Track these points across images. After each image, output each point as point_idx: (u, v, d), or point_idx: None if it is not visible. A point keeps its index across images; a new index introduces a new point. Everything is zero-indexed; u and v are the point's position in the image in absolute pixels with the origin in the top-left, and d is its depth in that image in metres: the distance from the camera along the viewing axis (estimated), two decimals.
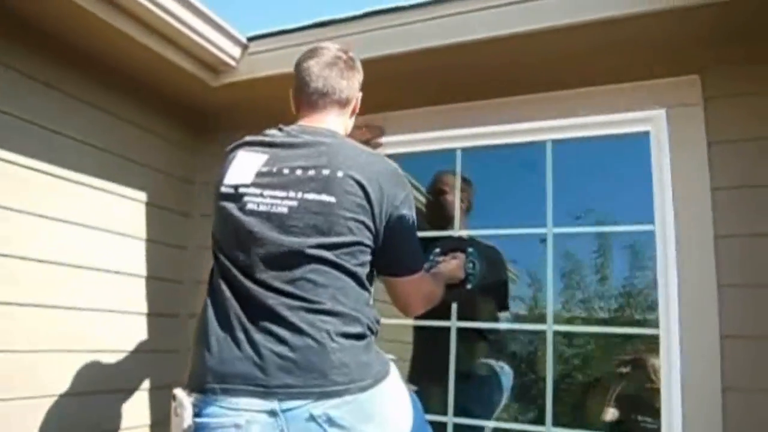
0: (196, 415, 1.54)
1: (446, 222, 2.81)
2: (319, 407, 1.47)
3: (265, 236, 1.59)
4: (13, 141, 2.30)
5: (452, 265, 2.39)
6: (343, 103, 1.85)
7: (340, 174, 1.62)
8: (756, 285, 2.10)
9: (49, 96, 2.45)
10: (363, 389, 1.52)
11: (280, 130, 1.78)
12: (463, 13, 2.31)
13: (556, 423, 2.36)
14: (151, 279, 2.89)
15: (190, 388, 1.58)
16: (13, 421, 2.22)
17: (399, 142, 2.81)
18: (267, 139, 1.76)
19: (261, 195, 1.63)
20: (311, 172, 1.63)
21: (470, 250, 2.48)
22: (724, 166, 2.21)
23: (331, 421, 1.47)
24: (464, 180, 2.81)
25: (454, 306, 2.62)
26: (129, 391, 2.74)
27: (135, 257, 2.85)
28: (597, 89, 2.46)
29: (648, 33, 2.18)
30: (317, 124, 1.80)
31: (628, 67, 2.38)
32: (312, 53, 1.87)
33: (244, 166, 1.70)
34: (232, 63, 2.71)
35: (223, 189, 1.70)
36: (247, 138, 1.79)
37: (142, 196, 2.89)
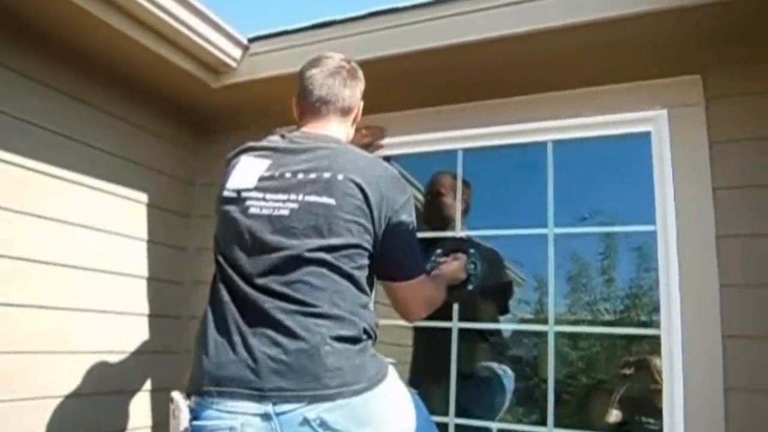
0: (194, 418, 1.57)
1: (444, 223, 2.83)
2: (313, 411, 1.48)
3: (267, 240, 1.62)
4: (11, 141, 2.32)
5: (454, 266, 2.41)
6: (345, 111, 1.90)
7: (340, 177, 1.65)
8: (758, 285, 2.12)
9: (47, 96, 2.47)
10: (356, 393, 1.52)
11: (283, 136, 1.82)
12: (463, 14, 2.33)
13: (558, 425, 2.37)
14: (151, 280, 2.92)
15: (188, 391, 1.61)
16: (11, 423, 2.24)
17: (400, 143, 2.83)
18: (270, 144, 1.80)
19: (263, 199, 1.67)
20: (312, 175, 1.66)
21: (472, 250, 2.49)
22: (726, 166, 2.23)
23: (325, 425, 1.49)
24: (462, 182, 2.83)
25: (456, 307, 2.64)
26: (130, 393, 2.76)
27: (135, 258, 2.87)
28: (598, 89, 2.48)
29: (649, 33, 2.19)
30: (319, 131, 1.84)
31: (629, 67, 2.39)
32: (316, 62, 1.93)
33: (246, 171, 1.73)
34: (233, 64, 2.73)
35: (226, 193, 1.73)
36: (250, 144, 1.83)
37: (143, 197, 2.92)
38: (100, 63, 2.63)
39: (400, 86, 2.64)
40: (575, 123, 2.53)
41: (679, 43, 2.25)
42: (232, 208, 1.70)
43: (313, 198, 1.63)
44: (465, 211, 2.85)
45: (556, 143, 2.57)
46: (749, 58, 2.23)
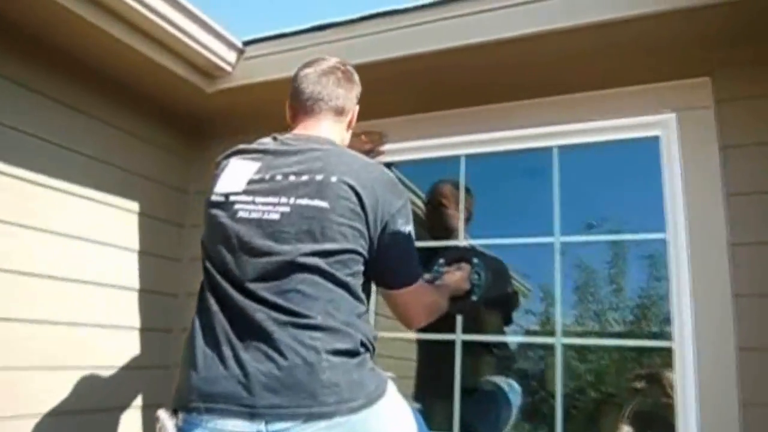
0: None
1: (446, 234, 2.83)
2: (309, 429, 1.45)
3: (256, 244, 1.60)
4: None
5: (457, 277, 2.40)
6: (339, 111, 1.89)
7: (333, 179, 1.63)
8: None
9: (34, 102, 2.48)
10: (354, 410, 1.49)
11: (274, 139, 1.81)
12: (465, 16, 2.34)
13: None
14: (143, 292, 2.92)
15: (175, 406, 1.57)
16: None
17: (401, 149, 2.84)
18: (260, 147, 1.79)
19: (252, 202, 1.65)
20: (304, 178, 1.65)
21: (475, 260, 2.49)
22: (738, 171, 2.23)
23: None
24: (465, 189, 2.82)
25: (459, 319, 2.64)
26: (120, 409, 2.75)
27: (127, 270, 2.87)
28: (605, 93, 2.49)
29: (655, 34, 2.19)
30: (311, 132, 1.83)
31: (636, 70, 2.40)
32: (309, 63, 1.94)
33: (235, 175, 1.72)
34: (228, 68, 2.74)
35: (214, 197, 1.71)
36: (240, 146, 1.82)
37: (134, 206, 2.92)
38: (90, 68, 2.64)
39: (400, 90, 2.66)
40: (581, 128, 2.54)
41: (687, 44, 2.25)
42: (219, 213, 1.68)
43: (305, 201, 1.61)
44: (467, 220, 2.85)
45: (562, 149, 2.58)
46: (759, 59, 2.24)
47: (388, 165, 2.63)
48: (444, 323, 2.61)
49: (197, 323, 1.62)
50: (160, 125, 3.08)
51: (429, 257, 2.42)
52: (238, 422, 1.47)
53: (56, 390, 2.48)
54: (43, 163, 2.49)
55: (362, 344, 1.59)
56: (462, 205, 2.79)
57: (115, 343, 2.76)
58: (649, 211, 2.46)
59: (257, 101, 2.79)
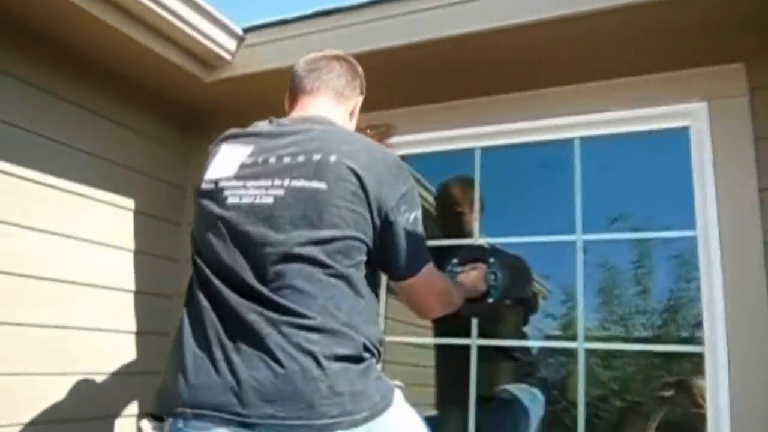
0: None
1: (458, 235, 2.82)
2: None
3: (248, 233, 1.56)
4: None
5: (472, 277, 2.39)
6: (339, 93, 1.88)
7: (332, 158, 1.59)
8: None
9: (23, 93, 2.48)
10: (357, 423, 1.45)
11: (270, 122, 1.80)
12: None
13: None
14: (139, 294, 2.93)
15: (161, 411, 1.55)
16: None
17: (411, 142, 2.84)
18: (253, 130, 1.78)
19: (244, 187, 1.62)
20: (300, 158, 1.61)
21: (492, 259, 2.48)
22: None
23: None
24: (470, 181, 2.81)
25: (474, 322, 2.63)
26: (115, 417, 2.77)
27: (122, 270, 2.88)
28: (630, 80, 2.47)
29: (685, 17, 2.17)
30: (309, 112, 1.82)
31: (664, 56, 2.38)
32: (310, 54, 1.96)
33: (227, 160, 1.70)
34: (227, 56, 2.74)
35: (203, 186, 1.69)
36: (232, 131, 1.81)
37: (130, 203, 2.92)
38: (82, 57, 2.64)
39: (410, 80, 2.65)
40: (605, 118, 2.52)
41: (720, 27, 2.22)
42: (209, 202, 1.65)
43: (301, 183, 1.57)
44: (475, 219, 2.83)
45: (584, 140, 2.57)
46: None
47: None
48: (458, 327, 2.61)
49: (186, 321, 1.58)
50: (156, 118, 3.09)
51: (441, 257, 2.41)
52: (227, 431, 1.44)
53: (47, 397, 2.48)
54: (31, 157, 2.49)
55: (366, 348, 1.55)
56: (477, 205, 2.76)
57: (108, 347, 2.77)
58: (678, 207, 2.44)
59: (258, 91, 2.78)
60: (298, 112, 1.84)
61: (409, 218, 1.68)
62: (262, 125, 1.79)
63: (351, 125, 1.96)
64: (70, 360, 2.59)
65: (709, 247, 2.26)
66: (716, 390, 2.18)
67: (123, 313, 2.87)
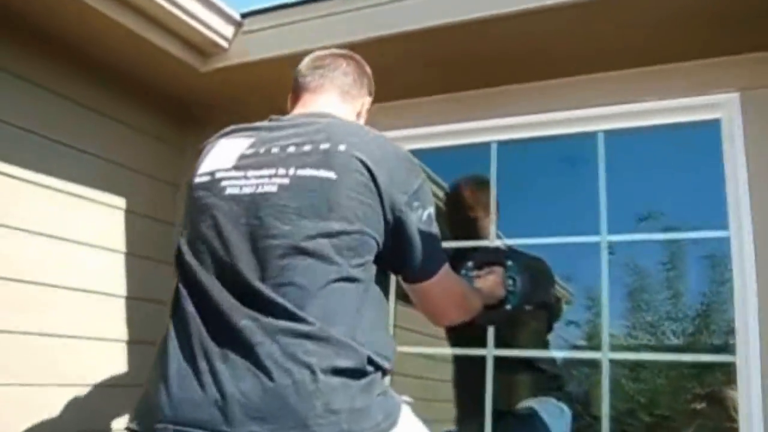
0: None
1: (472, 238, 2.82)
2: None
3: (250, 224, 1.54)
4: None
5: (490, 282, 2.39)
6: (344, 91, 1.90)
7: (342, 148, 1.58)
8: None
9: (4, 83, 2.49)
10: None
11: (270, 120, 1.81)
12: None
13: None
14: (131, 300, 2.94)
15: (138, 425, 1.53)
16: None
17: (423, 135, 2.85)
18: (252, 125, 1.78)
19: (244, 177, 1.60)
20: (307, 147, 1.60)
21: (510, 263, 2.49)
22: None
23: None
24: (483, 182, 2.82)
25: (491, 331, 2.62)
26: None
27: (112, 274, 2.89)
28: (657, 69, 2.48)
29: (717, 1, 2.17)
30: (311, 109, 1.83)
31: (693, 43, 2.38)
32: (315, 52, 1.98)
33: (224, 152, 1.70)
34: (224, 44, 2.74)
35: (197, 180, 1.68)
36: (230, 127, 1.82)
37: (121, 202, 2.94)
38: (67, 45, 2.66)
39: (422, 67, 2.66)
40: (630, 110, 2.53)
41: (753, 12, 2.20)
42: (204, 194, 1.63)
43: (308, 171, 1.55)
44: (491, 222, 2.83)
45: (609, 134, 2.57)
46: None
47: None
48: (473, 336, 2.61)
49: (171, 327, 1.56)
50: (148, 111, 3.10)
51: (455, 260, 2.42)
52: None
53: (30, 410, 2.49)
54: (14, 152, 2.50)
55: (370, 362, 1.50)
56: (492, 207, 2.76)
57: (98, 357, 2.78)
58: (710, 205, 2.45)
59: (257, 82, 2.80)
60: (299, 110, 1.85)
61: (422, 216, 1.66)
62: (262, 122, 1.80)
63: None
64: (55, 370, 2.60)
65: (742, 248, 2.26)
66: (749, 402, 2.18)
67: (113, 320, 2.88)
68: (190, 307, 1.54)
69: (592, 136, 2.59)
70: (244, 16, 2.76)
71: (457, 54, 2.57)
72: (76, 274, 2.72)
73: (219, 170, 1.65)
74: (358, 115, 1.96)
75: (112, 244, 2.90)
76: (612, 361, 2.47)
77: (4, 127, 2.48)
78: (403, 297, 2.45)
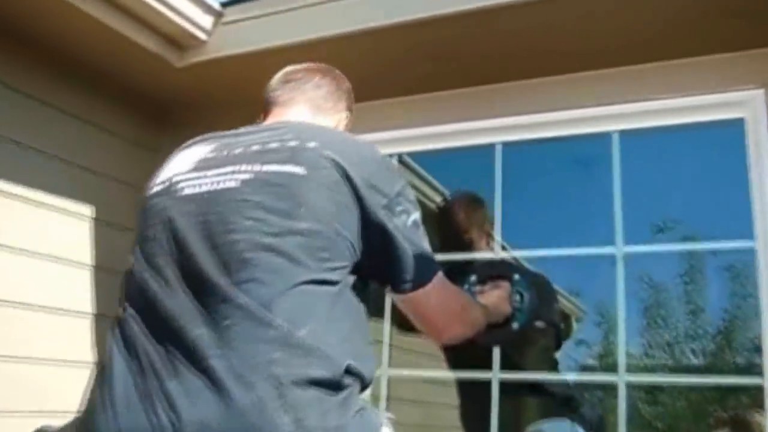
0: None
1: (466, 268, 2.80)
2: None
3: (209, 221, 1.50)
4: None
5: (494, 298, 2.38)
6: (317, 105, 1.90)
7: (311, 145, 1.56)
8: None
9: None
10: None
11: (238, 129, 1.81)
12: None
13: None
14: (101, 318, 2.91)
15: None
16: None
17: (419, 136, 2.85)
18: (217, 133, 1.78)
19: (204, 176, 1.58)
20: (273, 145, 1.59)
21: (517, 277, 2.48)
22: None
23: None
24: (476, 200, 2.81)
25: (496, 351, 2.61)
26: None
27: (79, 290, 2.87)
28: (676, 64, 2.48)
29: None
30: (280, 118, 1.85)
31: (715, 35, 2.38)
32: (287, 66, 1.99)
33: (183, 160, 1.69)
34: (202, 36, 2.74)
35: (152, 191, 1.67)
36: (191, 140, 1.81)
37: (88, 210, 2.93)
38: (30, 38, 2.64)
39: (419, 61, 2.65)
40: (647, 108, 2.53)
41: None
42: (157, 200, 1.62)
43: (273, 167, 1.53)
44: (487, 243, 2.83)
45: (624, 134, 2.57)
46: None
47: (399, 157, 2.62)
48: (477, 358, 2.60)
49: (114, 342, 1.51)
50: (119, 110, 3.10)
51: (456, 275, 2.41)
52: None
53: None
54: None
55: (348, 371, 1.43)
56: (488, 226, 2.77)
57: (65, 383, 2.76)
58: (733, 212, 2.45)
59: (239, 77, 2.79)
60: (268, 121, 1.87)
61: (407, 221, 1.64)
62: (226, 132, 1.79)
63: None
64: (23, 397, 2.59)
65: None
66: None
67: (81, 341, 2.86)
68: (137, 318, 1.49)
69: (605, 136, 2.59)
70: (224, 5, 2.76)
71: (459, 47, 2.57)
72: (39, 290, 2.70)
73: (176, 175, 1.63)
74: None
75: (78, 257, 2.88)
76: (629, 384, 2.46)
77: None
78: (398, 324, 2.44)
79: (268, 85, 1.95)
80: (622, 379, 2.44)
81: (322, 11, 2.52)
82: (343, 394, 1.41)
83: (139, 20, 2.62)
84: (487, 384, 2.60)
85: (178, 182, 1.61)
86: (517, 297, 2.43)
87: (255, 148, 1.60)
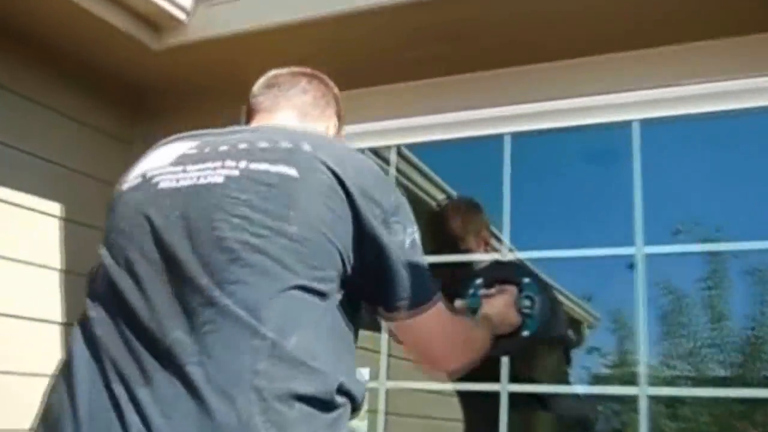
0: None
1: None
2: None
3: (190, 218, 1.48)
4: None
5: (500, 306, 2.36)
6: (303, 112, 1.90)
7: (306, 148, 1.56)
8: None
9: None
10: None
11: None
12: None
13: None
14: (69, 327, 2.84)
15: None
16: None
17: (418, 126, 2.84)
18: (200, 131, 1.76)
19: (183, 171, 1.56)
20: (263, 144, 1.58)
21: (526, 280, 2.45)
22: None
23: None
24: (472, 205, 2.80)
25: (505, 361, 2.59)
26: None
27: (45, 296, 2.85)
28: (704, 45, 2.46)
29: None
30: (266, 123, 1.85)
31: (748, 12, 2.35)
32: (269, 72, 2.00)
33: (161, 156, 1.68)
34: (182, 16, 2.71)
35: (125, 186, 1.66)
36: (170, 137, 1.80)
37: (55, 208, 2.91)
38: None
39: (420, 45, 2.63)
40: (671, 94, 2.51)
41: None
42: (130, 195, 1.61)
43: (262, 166, 1.51)
44: (485, 252, 2.83)
45: (645, 124, 2.54)
46: None
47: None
48: (483, 368, 2.58)
49: (76, 347, 1.47)
50: (90, 98, 3.08)
51: (462, 277, 2.39)
52: None
53: None
54: None
55: (340, 391, 1.43)
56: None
57: (30, 394, 2.73)
58: (760, 210, 2.42)
59: (221, 62, 2.79)
60: (254, 125, 1.88)
61: (405, 237, 1.62)
62: (210, 130, 1.78)
63: None
64: None
65: None
66: None
67: (48, 352, 2.81)
68: (100, 322, 1.46)
69: (625, 126, 2.57)
70: None
71: (462, 27, 2.56)
72: (3, 298, 2.68)
73: (152, 169, 1.62)
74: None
75: (45, 259, 2.87)
76: (650, 397, 2.44)
77: None
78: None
79: (251, 91, 1.95)
80: (644, 391, 2.42)
81: None
82: (334, 414, 1.41)
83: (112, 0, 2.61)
84: (494, 396, 2.58)
85: (154, 176, 1.58)
86: (527, 302, 2.40)
87: (243, 146, 1.58)
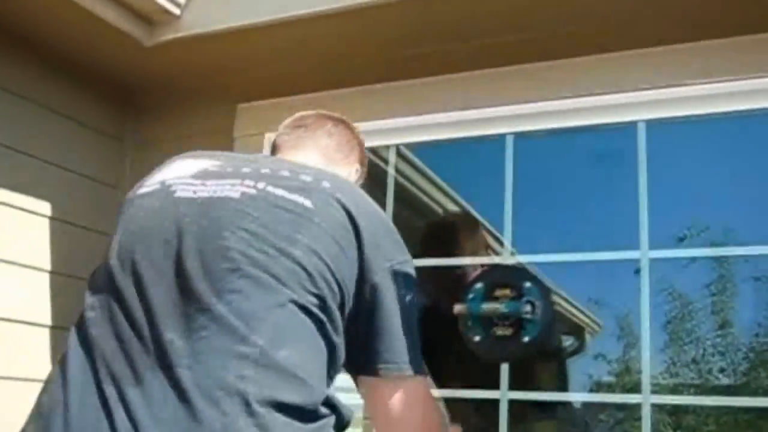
0: None
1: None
2: None
3: (197, 223, 1.52)
4: None
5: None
6: (327, 156, 1.97)
7: (325, 185, 1.62)
8: None
9: None
10: None
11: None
12: None
13: None
14: (58, 331, 2.88)
15: None
16: None
17: (417, 126, 2.84)
18: (223, 152, 1.81)
19: (203, 184, 1.61)
20: (285, 173, 1.64)
21: (528, 284, 2.47)
22: None
23: None
24: (471, 225, 2.83)
25: (505, 369, 2.59)
26: None
27: (33, 298, 2.86)
28: (713, 44, 2.45)
29: None
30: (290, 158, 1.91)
31: (753, 13, 2.35)
32: (297, 113, 2.07)
33: (182, 167, 1.71)
34: (175, 10, 2.71)
35: (140, 191, 1.68)
36: (192, 152, 1.82)
37: (45, 207, 2.91)
38: None
39: (420, 43, 2.65)
40: (679, 94, 2.50)
41: None
42: (145, 200, 1.64)
43: (280, 192, 1.57)
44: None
45: (651, 124, 2.54)
46: None
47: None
48: (484, 375, 2.58)
49: (72, 346, 1.49)
50: (80, 96, 3.08)
51: (459, 280, 2.38)
52: None
53: None
54: None
55: (327, 404, 1.46)
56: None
57: (16, 404, 2.72)
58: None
59: (216, 59, 2.78)
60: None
61: (406, 296, 1.64)
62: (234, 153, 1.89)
63: None
64: None
65: None
66: None
67: (36, 356, 2.83)
68: (96, 320, 1.50)
69: (630, 127, 2.57)
70: None
71: (463, 24, 2.57)
72: None
73: (171, 179, 1.66)
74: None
75: (33, 260, 2.86)
76: (654, 406, 2.45)
77: None
78: None
79: (277, 132, 2.03)
80: (647, 400, 2.42)
81: None
82: (317, 424, 1.43)
83: None
84: (494, 404, 2.58)
85: (172, 185, 1.63)
86: (528, 307, 2.43)
87: (265, 171, 1.64)
